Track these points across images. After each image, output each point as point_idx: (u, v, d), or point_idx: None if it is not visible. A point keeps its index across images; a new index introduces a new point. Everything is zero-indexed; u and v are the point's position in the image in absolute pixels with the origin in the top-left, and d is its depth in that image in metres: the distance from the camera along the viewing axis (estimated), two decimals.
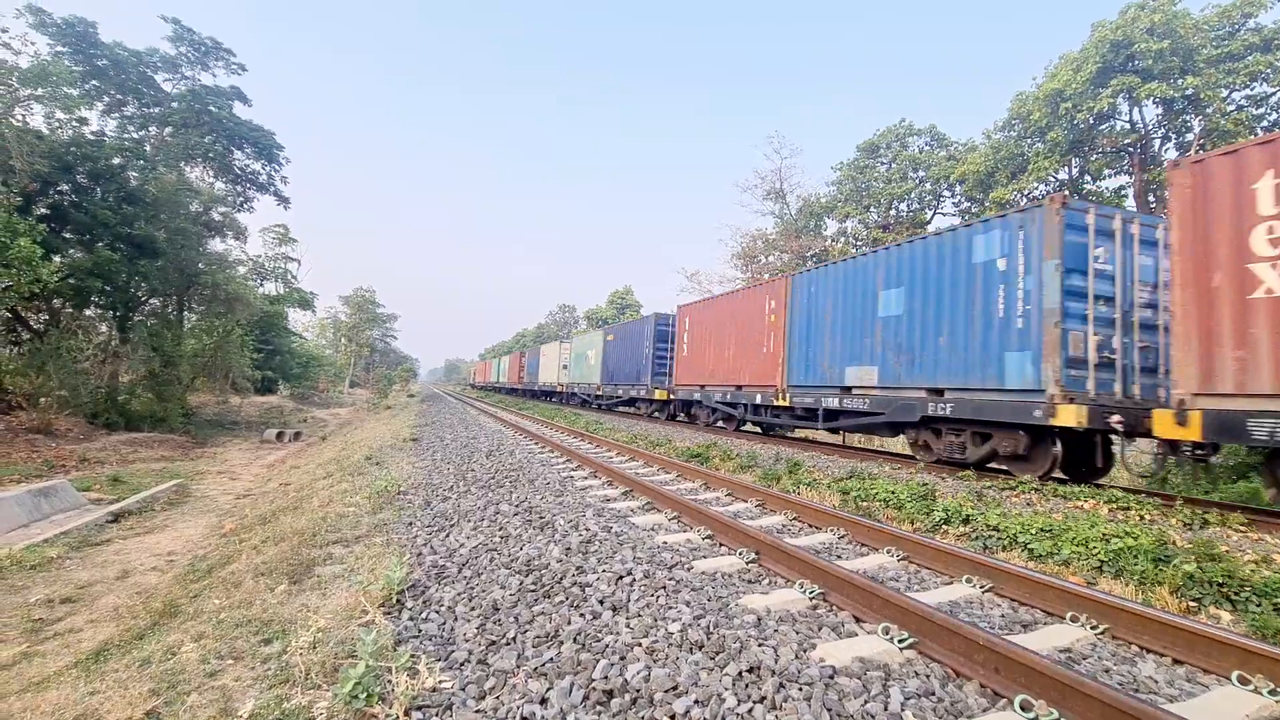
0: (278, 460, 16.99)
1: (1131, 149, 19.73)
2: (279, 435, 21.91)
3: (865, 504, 7.33)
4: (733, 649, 2.87)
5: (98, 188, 19.02)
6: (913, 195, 26.87)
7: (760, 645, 2.91)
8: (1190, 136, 18.36)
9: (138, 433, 17.86)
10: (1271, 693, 2.72)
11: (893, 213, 27.17)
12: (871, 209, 27.56)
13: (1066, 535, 5.49)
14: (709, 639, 2.99)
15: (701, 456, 11.08)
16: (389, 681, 2.81)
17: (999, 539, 5.83)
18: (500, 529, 5.33)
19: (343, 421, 29.87)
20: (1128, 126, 19.94)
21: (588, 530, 4.94)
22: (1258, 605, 4.27)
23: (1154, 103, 18.62)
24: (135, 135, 24.11)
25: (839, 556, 4.79)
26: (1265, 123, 17.77)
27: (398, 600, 3.96)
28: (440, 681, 2.84)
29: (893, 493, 7.30)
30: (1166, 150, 19.40)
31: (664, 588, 3.67)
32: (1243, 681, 2.81)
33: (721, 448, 11.63)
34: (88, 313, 21.22)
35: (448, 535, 5.42)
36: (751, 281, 29.39)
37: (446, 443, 12.17)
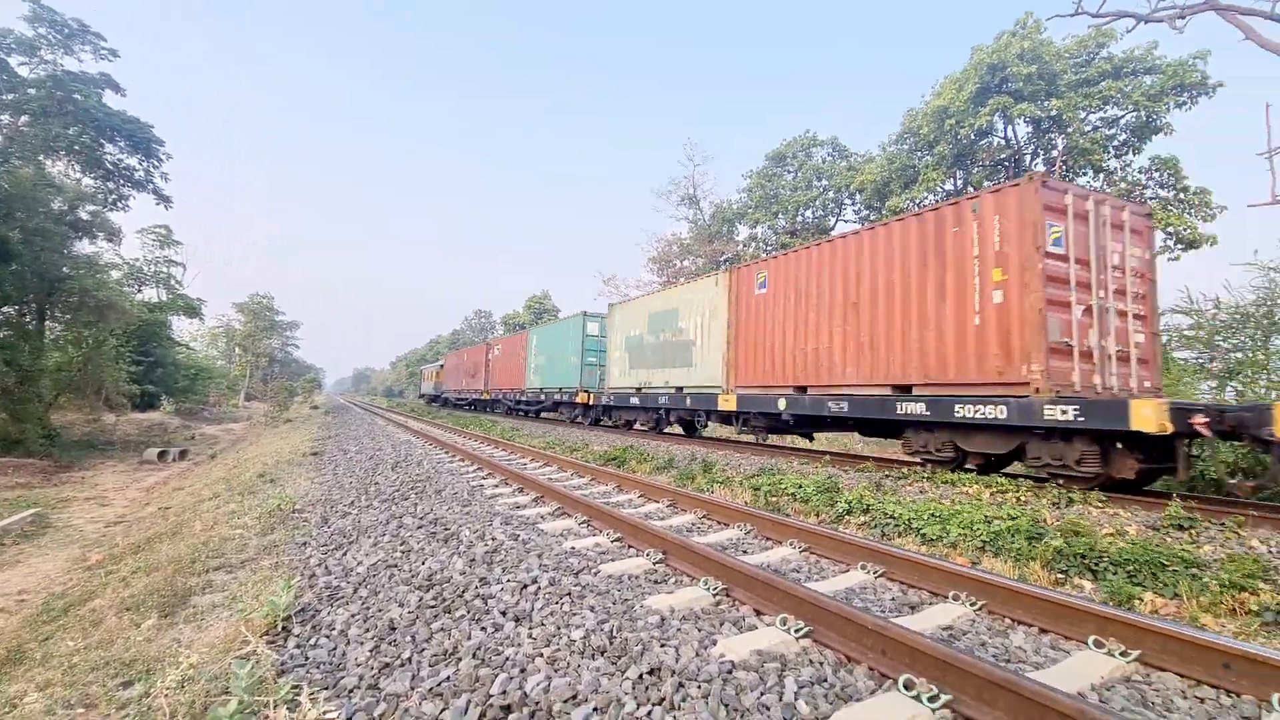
0: (159, 483, 15.52)
1: (1007, 163, 21.55)
2: (161, 455, 20.03)
3: (775, 499, 7.56)
4: (635, 652, 2.85)
5: None
6: (817, 203, 28.15)
7: (662, 646, 2.91)
8: (1055, 153, 20.29)
9: None
10: (1123, 654, 2.99)
11: (799, 219, 28.36)
12: (780, 215, 28.64)
13: (954, 519, 5.87)
14: (611, 643, 2.95)
15: (619, 459, 11.09)
16: (266, 717, 2.60)
17: (895, 525, 6.16)
18: (402, 544, 5.08)
19: (236, 438, 27.72)
20: (1003, 142, 21.77)
21: (494, 540, 4.80)
22: (1114, 574, 4.73)
23: (1025, 121, 20.40)
24: None
25: (745, 551, 4.89)
26: (1116, 141, 19.88)
27: (284, 627, 3.68)
28: (325, 712, 2.65)
29: (800, 486, 7.57)
30: (1036, 164, 21.33)
31: (569, 594, 3.61)
32: (1098, 645, 3.07)
33: (638, 450, 11.68)
34: None
35: (345, 554, 5.11)
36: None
37: (350, 456, 11.52)
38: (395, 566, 4.55)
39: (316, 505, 7.25)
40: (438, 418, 26.13)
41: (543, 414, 25.22)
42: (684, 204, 33.68)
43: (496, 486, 7.77)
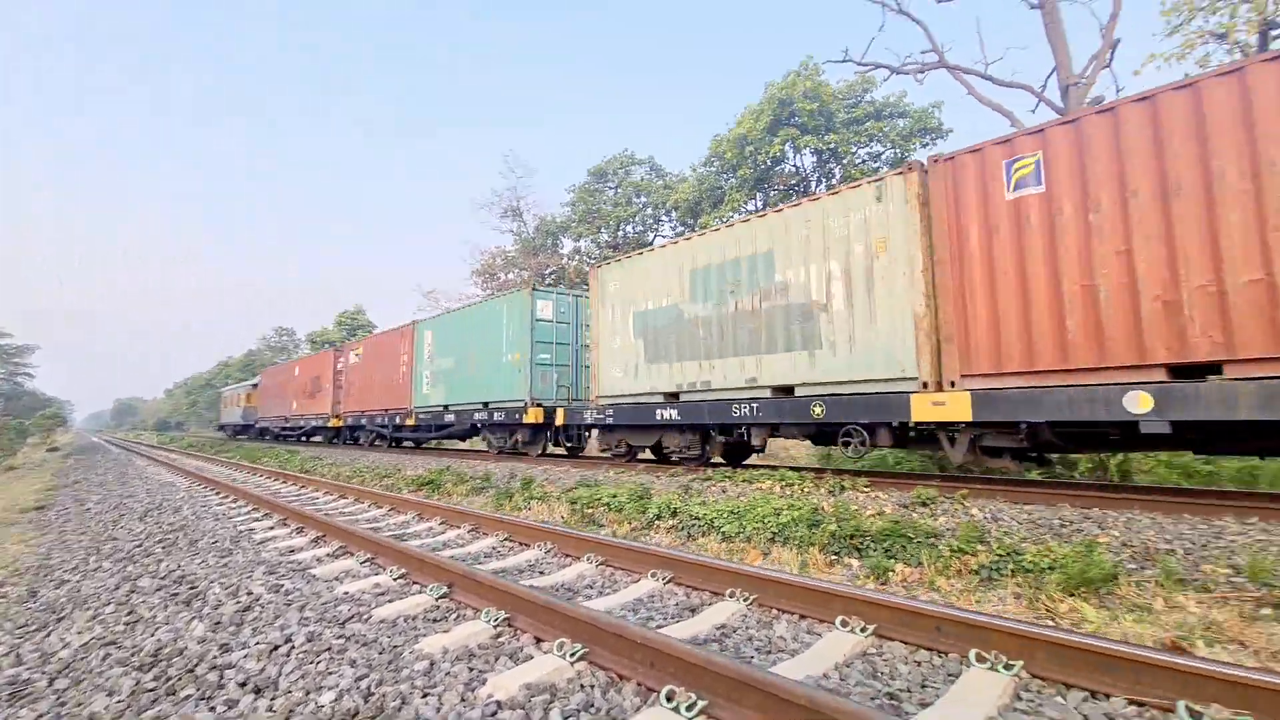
0: None
1: (797, 188, 24.17)
2: None
3: (590, 510, 7.56)
4: (392, 708, 2.57)
5: None
6: (636, 218, 29.32)
7: (425, 696, 2.66)
8: (834, 181, 23.14)
9: None
10: (863, 630, 3.32)
11: (620, 233, 29.26)
12: (602, 230, 29.33)
13: (750, 515, 6.26)
14: (366, 702, 2.64)
15: (433, 483, 10.43)
16: None
17: (700, 526, 6.44)
18: (130, 613, 4.20)
19: None
20: (794, 169, 24.38)
21: (250, 595, 4.15)
22: (874, 550, 5.34)
23: (810, 152, 23.05)
24: None
25: (541, 572, 4.76)
26: (881, 173, 23.18)
27: None
28: None
29: (615, 496, 7.65)
30: (819, 189, 24.17)
31: (329, 649, 3.20)
32: (844, 625, 3.38)
33: (455, 471, 11.09)
34: None
35: (49, 634, 4.11)
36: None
37: (89, 508, 9.50)
38: (114, 644, 3.73)
39: (24, 575, 5.82)
40: (224, 451, 22.72)
41: (424, 445, 19.63)
42: (507, 216, 33.12)
43: (271, 529, 6.82)
